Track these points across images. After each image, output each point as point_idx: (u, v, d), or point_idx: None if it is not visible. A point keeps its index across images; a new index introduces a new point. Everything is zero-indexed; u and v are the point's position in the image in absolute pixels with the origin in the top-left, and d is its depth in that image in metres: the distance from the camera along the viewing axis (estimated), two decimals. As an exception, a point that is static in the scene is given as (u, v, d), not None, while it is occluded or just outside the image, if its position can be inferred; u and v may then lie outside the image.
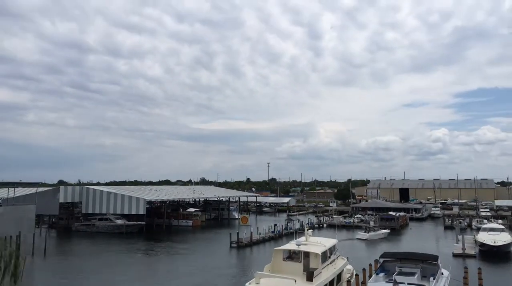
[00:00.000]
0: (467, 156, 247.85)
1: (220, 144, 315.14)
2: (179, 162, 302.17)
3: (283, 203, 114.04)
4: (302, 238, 22.54)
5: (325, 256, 21.04)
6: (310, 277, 18.55)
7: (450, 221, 67.02)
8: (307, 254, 20.45)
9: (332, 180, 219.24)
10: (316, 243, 21.94)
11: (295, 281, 17.95)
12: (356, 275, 22.71)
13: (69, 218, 67.18)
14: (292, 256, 21.19)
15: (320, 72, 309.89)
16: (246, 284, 18.49)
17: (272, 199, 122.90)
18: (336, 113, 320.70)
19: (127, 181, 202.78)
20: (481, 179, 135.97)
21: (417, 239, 53.35)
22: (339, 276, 21.56)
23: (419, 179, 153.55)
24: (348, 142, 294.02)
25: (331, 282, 20.18)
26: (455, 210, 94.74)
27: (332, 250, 22.52)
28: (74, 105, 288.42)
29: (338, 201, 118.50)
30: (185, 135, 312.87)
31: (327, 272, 20.22)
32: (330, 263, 21.49)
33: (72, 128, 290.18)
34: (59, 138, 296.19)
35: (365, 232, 53.57)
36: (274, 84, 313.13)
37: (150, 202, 75.18)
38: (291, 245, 21.62)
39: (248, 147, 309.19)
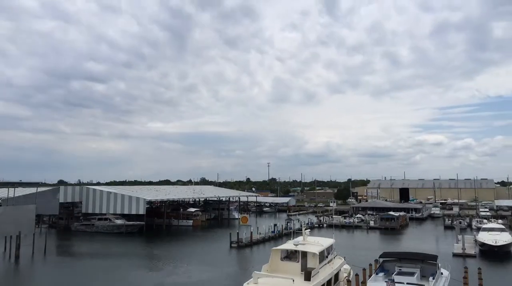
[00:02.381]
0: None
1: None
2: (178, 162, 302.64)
3: (283, 203, 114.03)
4: (300, 238, 22.52)
5: (323, 255, 21.02)
6: (307, 277, 18.54)
7: (450, 221, 66.98)
8: (304, 254, 20.44)
9: (332, 180, 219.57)
10: (313, 242, 21.91)
11: (293, 280, 17.93)
12: (356, 275, 22.70)
13: (69, 218, 67.22)
14: (289, 256, 21.15)
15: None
16: (244, 284, 18.47)
17: (272, 199, 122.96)
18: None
19: (127, 181, 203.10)
20: (481, 179, 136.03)
21: (417, 239, 53.30)
22: (336, 276, 21.55)
23: (419, 179, 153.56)
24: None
25: (329, 282, 20.17)
26: (455, 210, 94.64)
27: (329, 249, 22.51)
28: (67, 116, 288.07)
29: (338, 201, 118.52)
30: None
31: (325, 272, 20.20)
32: (328, 262, 21.47)
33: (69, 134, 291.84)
34: (58, 141, 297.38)
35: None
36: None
37: (150, 202, 75.25)
38: (289, 245, 21.59)
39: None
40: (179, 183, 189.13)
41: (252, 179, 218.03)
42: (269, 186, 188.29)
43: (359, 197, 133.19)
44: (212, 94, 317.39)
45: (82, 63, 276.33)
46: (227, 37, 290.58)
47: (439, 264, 23.48)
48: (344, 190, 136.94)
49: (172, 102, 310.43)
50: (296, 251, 20.70)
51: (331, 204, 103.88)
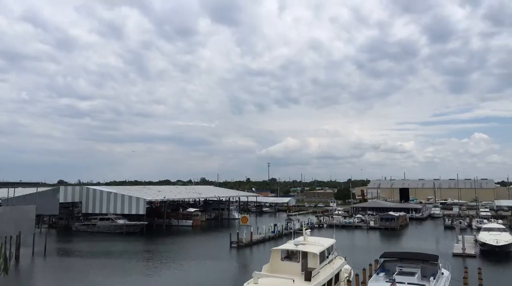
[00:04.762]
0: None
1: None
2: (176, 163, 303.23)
3: (283, 203, 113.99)
4: (300, 238, 22.49)
5: (323, 256, 20.98)
6: (308, 277, 18.51)
7: (450, 221, 66.92)
8: (305, 254, 20.39)
9: (332, 180, 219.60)
10: (314, 243, 21.87)
11: (293, 281, 17.90)
12: (356, 275, 22.68)
13: (69, 218, 67.23)
14: (290, 256, 21.12)
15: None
16: (245, 284, 18.44)
17: (272, 199, 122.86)
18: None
19: (127, 181, 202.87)
20: (481, 179, 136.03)
21: (417, 239, 53.26)
22: (337, 276, 21.51)
23: (419, 179, 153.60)
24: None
25: (329, 282, 20.13)
26: (455, 210, 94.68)
27: (330, 250, 22.47)
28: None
29: (338, 201, 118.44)
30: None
31: (325, 272, 20.17)
32: (328, 262, 21.43)
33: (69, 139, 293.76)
34: (58, 142, 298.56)
35: None
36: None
37: (150, 202, 75.20)
38: (289, 245, 21.54)
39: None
40: (179, 183, 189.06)
41: (252, 179, 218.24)
42: (269, 186, 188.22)
43: (358, 197, 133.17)
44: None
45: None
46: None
47: (440, 264, 23.46)
48: (344, 190, 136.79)
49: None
50: (296, 251, 20.66)
51: (331, 204, 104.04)
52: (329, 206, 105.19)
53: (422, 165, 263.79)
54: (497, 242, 38.76)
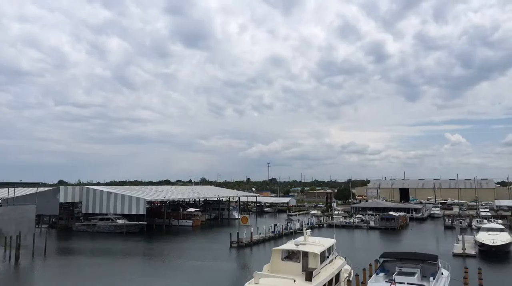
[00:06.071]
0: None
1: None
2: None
3: (283, 203, 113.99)
4: (301, 238, 22.50)
5: (324, 256, 21.01)
6: (309, 277, 18.52)
7: (450, 221, 66.95)
8: (305, 254, 20.41)
9: (332, 180, 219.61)
10: (314, 243, 21.89)
11: (294, 281, 17.92)
12: (356, 275, 22.70)
13: (69, 218, 67.23)
14: (291, 256, 21.13)
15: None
16: (245, 284, 18.45)
17: (272, 199, 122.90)
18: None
19: (127, 181, 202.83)
20: (481, 179, 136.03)
21: (417, 239, 53.29)
22: (337, 276, 21.53)
23: (419, 179, 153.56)
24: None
25: (330, 282, 20.15)
26: (455, 210, 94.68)
27: (330, 250, 22.50)
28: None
29: (338, 201, 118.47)
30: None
31: (326, 272, 20.18)
32: (329, 263, 21.46)
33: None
34: (57, 144, 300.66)
35: None
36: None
37: (150, 202, 75.17)
38: (290, 245, 21.56)
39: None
40: (179, 183, 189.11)
41: (252, 179, 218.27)
42: (269, 186, 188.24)
43: (358, 197, 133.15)
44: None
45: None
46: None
47: (440, 264, 23.47)
48: (344, 190, 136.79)
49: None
50: (297, 251, 20.68)
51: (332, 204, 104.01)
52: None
53: (395, 165, 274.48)
54: (494, 242, 38.77)
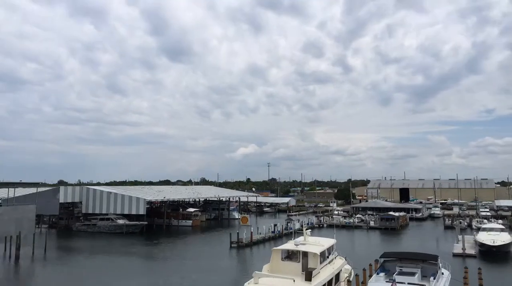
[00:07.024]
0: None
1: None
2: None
3: (283, 203, 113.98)
4: (301, 238, 22.50)
5: (324, 256, 21.00)
6: (308, 277, 18.52)
7: (450, 221, 66.95)
8: (305, 254, 20.40)
9: (332, 180, 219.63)
10: (314, 243, 21.88)
11: (294, 281, 17.92)
12: (356, 275, 22.69)
13: (69, 218, 67.23)
14: (290, 256, 21.13)
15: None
16: (245, 284, 18.45)
17: (272, 199, 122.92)
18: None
19: (127, 181, 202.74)
20: (481, 179, 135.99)
21: (417, 239, 53.27)
22: (337, 276, 21.52)
23: (419, 179, 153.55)
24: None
25: (330, 282, 20.14)
26: (455, 210, 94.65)
27: (330, 250, 22.49)
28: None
29: (338, 201, 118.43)
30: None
31: (326, 272, 20.17)
32: (329, 263, 21.45)
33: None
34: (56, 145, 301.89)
35: None
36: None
37: (150, 202, 75.17)
38: (290, 245, 21.56)
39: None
40: (179, 183, 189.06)
41: (252, 179, 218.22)
42: (269, 186, 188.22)
43: (358, 197, 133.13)
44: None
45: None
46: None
47: (440, 264, 23.47)
48: (344, 190, 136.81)
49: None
50: (297, 251, 20.67)
51: (331, 204, 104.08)
52: (329, 206, 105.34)
53: (378, 167, 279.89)
54: (494, 242, 38.75)
